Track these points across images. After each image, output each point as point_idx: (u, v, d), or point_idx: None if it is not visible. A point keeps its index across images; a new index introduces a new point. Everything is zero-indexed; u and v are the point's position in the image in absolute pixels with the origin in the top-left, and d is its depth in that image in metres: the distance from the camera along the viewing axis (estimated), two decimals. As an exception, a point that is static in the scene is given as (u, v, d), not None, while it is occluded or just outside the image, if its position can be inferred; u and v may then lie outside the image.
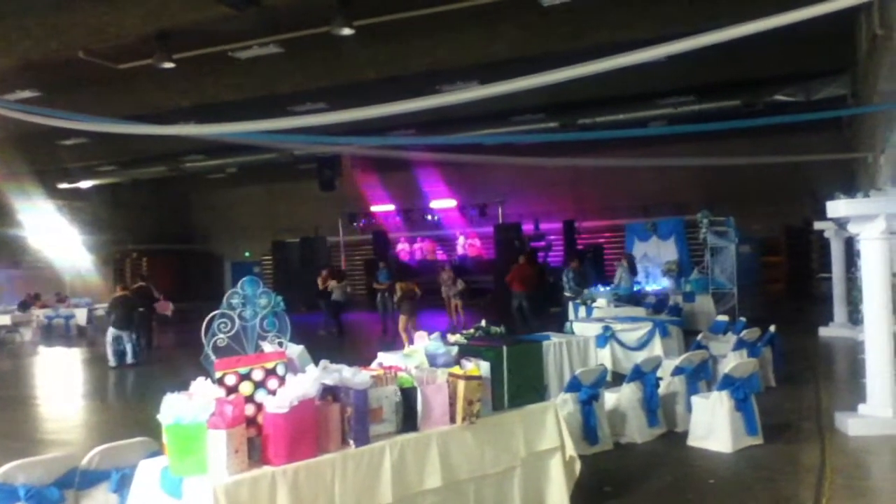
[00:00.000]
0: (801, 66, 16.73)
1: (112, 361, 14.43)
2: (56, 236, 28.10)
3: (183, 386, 4.16)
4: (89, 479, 4.34)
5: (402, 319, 14.78)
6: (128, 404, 11.54)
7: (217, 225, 34.66)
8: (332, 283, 18.72)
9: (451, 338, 5.38)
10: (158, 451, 4.33)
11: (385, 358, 5.87)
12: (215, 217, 34.66)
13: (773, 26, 5.71)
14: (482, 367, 4.79)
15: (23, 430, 9.45)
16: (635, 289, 17.37)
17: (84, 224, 29.09)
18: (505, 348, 5.03)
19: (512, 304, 17.14)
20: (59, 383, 13.81)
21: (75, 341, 20.46)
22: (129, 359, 14.57)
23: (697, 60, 12.58)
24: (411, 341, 6.87)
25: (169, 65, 13.98)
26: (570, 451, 5.22)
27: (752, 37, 5.89)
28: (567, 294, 14.46)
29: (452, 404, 4.63)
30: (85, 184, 28.40)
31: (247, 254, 33.57)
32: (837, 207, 7.32)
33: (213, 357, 5.93)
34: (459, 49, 14.76)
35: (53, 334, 21.76)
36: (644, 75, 14.91)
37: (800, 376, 10.24)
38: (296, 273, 27.81)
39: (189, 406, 3.84)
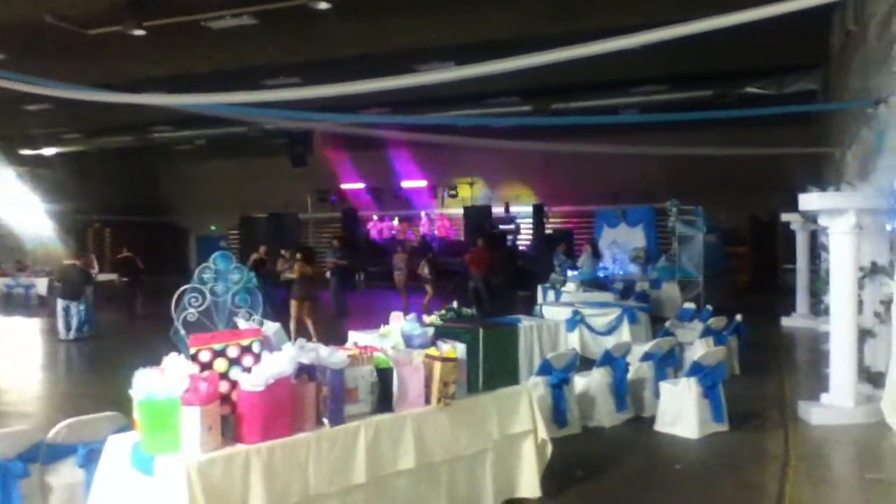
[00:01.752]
0: (774, 60, 16.89)
1: (62, 333, 14.06)
2: (17, 203, 27.45)
3: (149, 360, 4.08)
4: (56, 453, 4.27)
5: (293, 305, 12.66)
6: (90, 377, 11.35)
7: (184, 198, 34.12)
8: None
9: (427, 319, 5.35)
10: (127, 426, 4.25)
11: (360, 338, 5.83)
12: (182, 190, 34.11)
13: (749, 20, 5.74)
14: (458, 349, 4.78)
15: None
16: (601, 275, 17.54)
17: (47, 192, 28.40)
18: (481, 331, 5.02)
19: (468, 286, 17.21)
20: (19, 354, 13.54)
21: (35, 311, 20.07)
22: (73, 333, 14.08)
23: (672, 50, 12.61)
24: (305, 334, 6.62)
25: (139, 32, 13.68)
26: (543, 434, 5.25)
27: (727, 28, 5.92)
28: (556, 276, 14.51)
29: (428, 386, 4.62)
30: (49, 151, 27.74)
31: (212, 228, 33.13)
32: (810, 200, 7.42)
33: (182, 332, 5.85)
34: (439, 29, 14.64)
35: (13, 303, 21.37)
36: (619, 63, 14.86)
37: (764, 365, 10.41)
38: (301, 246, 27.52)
39: (162, 382, 3.77)
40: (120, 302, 19.05)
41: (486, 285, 17.14)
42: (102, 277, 22.46)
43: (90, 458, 4.22)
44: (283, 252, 16.60)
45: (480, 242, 18.29)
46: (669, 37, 6.19)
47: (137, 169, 33.20)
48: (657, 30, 6.22)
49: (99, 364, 12.20)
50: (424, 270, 17.82)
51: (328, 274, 17.80)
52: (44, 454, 4.21)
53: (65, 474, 4.27)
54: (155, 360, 4.05)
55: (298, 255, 13.77)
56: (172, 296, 5.64)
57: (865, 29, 10.88)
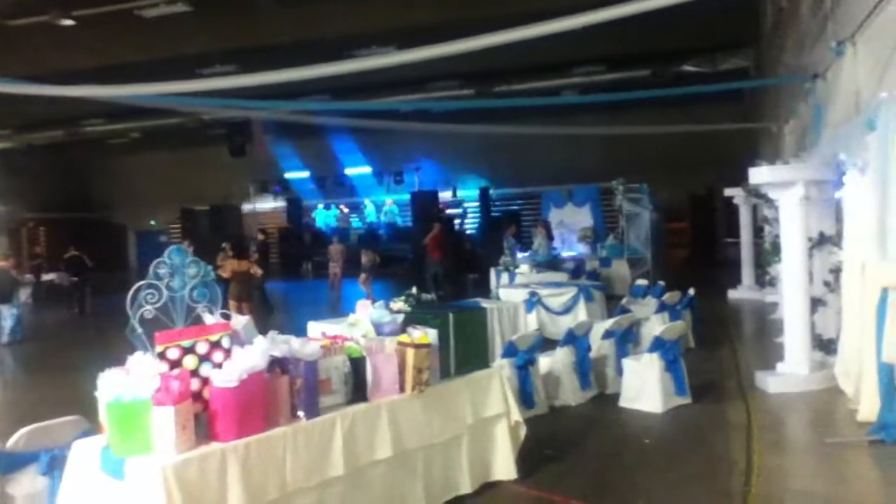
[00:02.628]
0: (708, 39, 17.20)
1: (4, 337, 13.58)
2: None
3: (106, 360, 3.93)
4: (15, 461, 4.07)
5: (231, 306, 11.02)
6: (43, 381, 10.87)
7: (119, 193, 33.13)
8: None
9: (395, 306, 5.27)
10: (92, 430, 4.09)
11: (327, 328, 5.72)
12: (117, 184, 33.10)
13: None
14: (430, 335, 4.72)
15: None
16: (552, 255, 17.67)
17: (-26, 192, 27.32)
18: (451, 315, 4.97)
19: (427, 272, 17.05)
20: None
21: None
22: (6, 337, 13.60)
23: (610, 31, 12.71)
24: None
25: (68, 22, 13.15)
26: (516, 416, 5.25)
27: (662, 9, 6.02)
28: (507, 259, 14.51)
29: (402, 373, 4.55)
30: (-25, 149, 26.61)
31: (152, 223, 32.33)
32: (760, 174, 7.56)
33: (139, 330, 5.64)
34: (377, 14, 14.45)
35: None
36: (559, 45, 14.94)
37: (716, 337, 10.62)
38: (206, 242, 26.99)
39: (129, 382, 3.62)
40: (68, 301, 18.41)
41: (444, 271, 17.04)
42: (46, 277, 21.76)
43: (53, 466, 4.05)
44: (223, 245, 15.34)
45: (437, 227, 18.03)
46: (607, 18, 6.28)
47: (70, 164, 32.07)
48: (596, 11, 6.31)
49: (49, 367, 11.73)
50: (363, 259, 17.09)
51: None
52: (3, 464, 4.01)
53: (26, 484, 4.07)
54: (109, 361, 3.90)
55: (230, 251, 13.02)
56: (116, 293, 5.42)
57: (798, 5, 11.14)
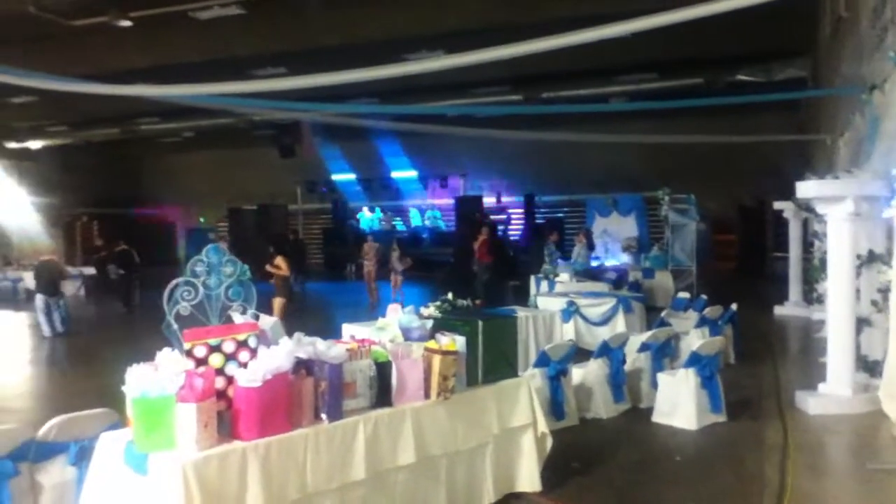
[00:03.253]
0: (762, 47, 16.86)
1: (46, 330, 13.84)
2: (2, 197, 27.14)
3: (140, 355, 3.98)
4: (46, 451, 4.16)
5: (280, 305, 12.04)
6: (80, 373, 11.17)
7: (170, 190, 33.82)
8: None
9: (425, 311, 5.26)
10: (120, 423, 4.16)
11: (356, 330, 5.73)
12: (168, 182, 33.82)
13: (739, 6, 5.69)
14: (458, 342, 4.69)
15: (-31, 398, 9.11)
16: (593, 264, 17.49)
17: (32, 185, 28.11)
18: (480, 323, 4.94)
19: (478, 277, 16.93)
20: (6, 350, 13.36)
21: (23, 305, 19.81)
22: (55, 328, 13.90)
23: (661, 37, 12.51)
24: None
25: (125, 23, 13.48)
26: (542, 427, 5.19)
27: (717, 15, 5.87)
28: (548, 267, 14.39)
29: (427, 379, 4.54)
30: (34, 144, 27.45)
31: (201, 220, 32.93)
32: (807, 188, 7.36)
33: (174, 326, 5.73)
34: (425, 18, 14.50)
35: (0, 298, 21.11)
36: (609, 51, 14.83)
37: (758, 354, 10.37)
38: (252, 241, 27.39)
39: (156, 378, 3.67)
40: (116, 295, 18.86)
41: (490, 276, 16.94)
42: (90, 271, 22.30)
43: (81, 456, 4.14)
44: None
45: (486, 232, 17.91)
46: (658, 24, 6.13)
47: (124, 161, 32.88)
48: (648, 17, 6.16)
49: (88, 359, 12.03)
50: (393, 257, 16.89)
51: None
52: (34, 452, 4.10)
53: (55, 473, 4.17)
54: (147, 356, 3.96)
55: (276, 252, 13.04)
56: (163, 288, 5.51)
57: (857, 14, 10.85)
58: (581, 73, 18.22)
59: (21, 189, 27.69)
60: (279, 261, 12.50)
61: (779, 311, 14.89)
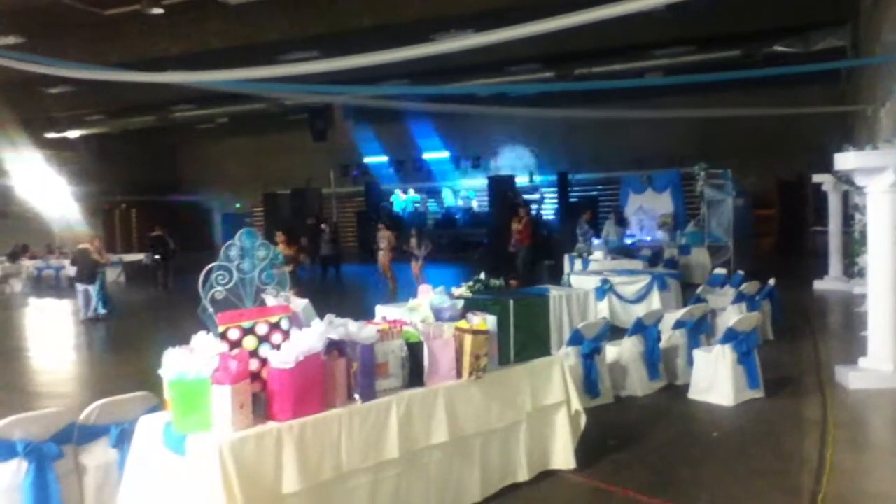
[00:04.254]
0: (800, 17, 16.46)
1: (83, 313, 14.19)
2: (44, 186, 27.69)
3: (177, 339, 4.05)
4: (88, 433, 4.26)
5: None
6: (120, 357, 11.41)
7: (206, 176, 34.24)
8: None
9: (456, 291, 5.27)
10: (158, 406, 4.25)
11: (388, 311, 5.76)
12: (204, 168, 34.24)
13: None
14: (488, 322, 4.69)
15: (16, 383, 9.37)
16: (628, 242, 17.33)
17: (72, 174, 28.63)
18: (511, 302, 4.93)
19: (520, 258, 16.65)
20: (50, 335, 13.71)
21: (66, 293, 20.26)
22: (97, 310, 14.23)
23: (697, 10, 12.28)
24: None
25: (157, 10, 13.63)
26: (576, 405, 5.18)
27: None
28: (579, 246, 14.28)
29: (459, 359, 4.55)
30: (72, 133, 27.93)
31: (237, 205, 33.28)
32: (846, 159, 7.20)
33: (210, 310, 5.80)
34: (455, -3, 14.42)
35: (43, 286, 21.63)
36: (643, 25, 14.61)
37: (797, 330, 10.23)
38: (287, 225, 27.61)
39: (192, 361, 3.73)
40: (148, 280, 19.23)
41: (531, 257, 16.76)
42: (129, 258, 22.72)
43: (123, 439, 4.22)
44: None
45: (523, 213, 17.53)
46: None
47: (160, 148, 33.37)
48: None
49: (127, 344, 12.31)
50: (412, 243, 16.31)
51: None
52: (77, 435, 4.20)
53: (98, 455, 4.27)
54: (183, 339, 4.03)
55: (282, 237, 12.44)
56: (199, 273, 5.60)
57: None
58: (614, 48, 17.97)
59: (61, 178, 28.21)
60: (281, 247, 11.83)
61: (819, 285, 14.65)
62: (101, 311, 14.38)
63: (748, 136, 22.32)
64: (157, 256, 18.09)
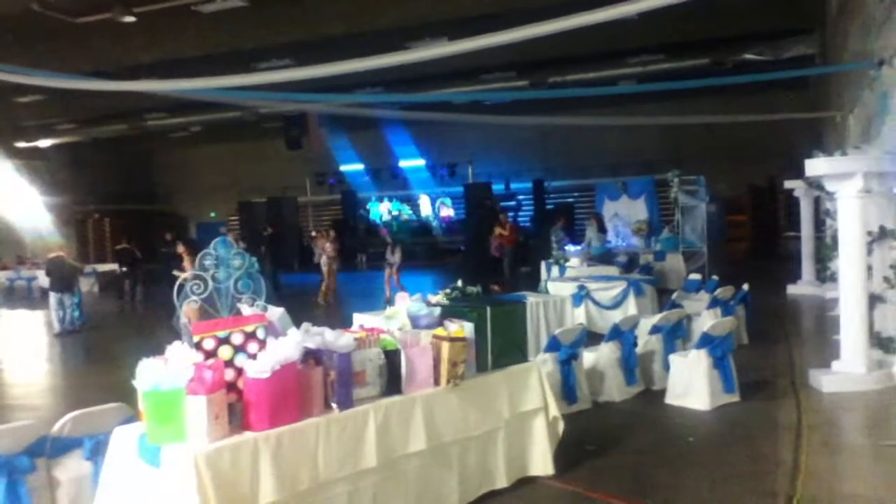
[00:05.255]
0: (770, 25, 16.73)
1: (57, 326, 13.82)
2: (14, 197, 27.29)
3: (151, 349, 4.01)
4: (62, 446, 4.18)
5: None
6: (92, 368, 11.27)
7: (181, 184, 33.99)
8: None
9: (433, 298, 5.27)
10: (133, 417, 4.19)
11: (365, 319, 5.75)
12: (179, 176, 33.97)
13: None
14: (466, 329, 4.69)
15: (-13, 396, 9.22)
16: (606, 248, 17.45)
17: (43, 184, 28.27)
18: (489, 309, 4.94)
19: (506, 262, 17.07)
20: (23, 347, 13.49)
21: (38, 304, 19.97)
22: (68, 323, 13.87)
23: (668, 18, 12.39)
24: None
25: (129, 19, 13.52)
26: (554, 411, 5.19)
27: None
28: (556, 253, 14.42)
29: (436, 366, 4.54)
30: (44, 143, 27.59)
31: (212, 214, 33.04)
32: (817, 165, 7.31)
33: (184, 319, 5.74)
34: (429, 5, 14.46)
35: (15, 297, 21.31)
36: (615, 33, 14.72)
37: (771, 334, 10.33)
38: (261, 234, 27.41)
39: (167, 371, 3.69)
40: (119, 291, 19.04)
41: (517, 260, 17.04)
42: (103, 268, 22.46)
43: (97, 451, 4.16)
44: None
45: (504, 218, 17.96)
46: (666, 3, 6.07)
47: (133, 157, 33.02)
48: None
49: (100, 355, 12.15)
50: (326, 246, 15.95)
51: None
52: (50, 448, 4.13)
53: (72, 468, 4.19)
54: (157, 350, 3.99)
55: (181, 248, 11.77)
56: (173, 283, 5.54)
57: (865, -10, 10.72)
58: (587, 56, 18.13)
59: (32, 188, 27.84)
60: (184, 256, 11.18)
61: (792, 290, 14.83)
62: (78, 321, 14.14)
63: (720, 142, 22.59)
64: (124, 269, 17.95)
